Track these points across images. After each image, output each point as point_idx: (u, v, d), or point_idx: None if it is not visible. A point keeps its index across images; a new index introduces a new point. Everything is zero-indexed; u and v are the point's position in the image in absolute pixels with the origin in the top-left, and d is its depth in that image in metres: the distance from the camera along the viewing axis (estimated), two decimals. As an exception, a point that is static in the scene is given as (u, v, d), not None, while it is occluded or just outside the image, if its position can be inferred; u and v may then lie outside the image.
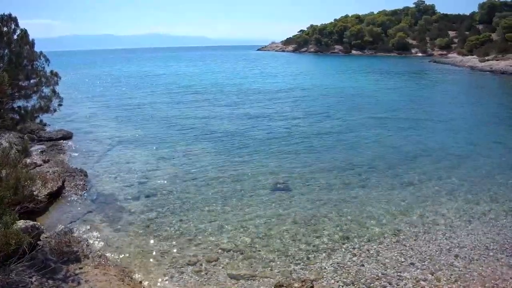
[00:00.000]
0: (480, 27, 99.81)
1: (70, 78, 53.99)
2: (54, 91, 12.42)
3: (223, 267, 8.93)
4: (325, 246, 9.83)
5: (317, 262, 9.09)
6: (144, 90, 42.56)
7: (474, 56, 70.50)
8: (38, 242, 8.31)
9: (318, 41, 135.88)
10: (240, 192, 13.31)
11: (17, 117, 11.96)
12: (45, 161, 15.34)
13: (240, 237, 10.29)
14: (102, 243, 9.95)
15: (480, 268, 8.79)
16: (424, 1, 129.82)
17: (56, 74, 12.46)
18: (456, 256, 9.31)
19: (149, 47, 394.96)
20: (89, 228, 10.77)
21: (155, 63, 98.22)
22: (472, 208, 11.95)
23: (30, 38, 11.74)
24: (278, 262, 9.12)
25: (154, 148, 19.02)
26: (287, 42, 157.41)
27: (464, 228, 10.72)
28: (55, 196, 12.35)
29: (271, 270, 8.82)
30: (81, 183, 13.84)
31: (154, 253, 9.53)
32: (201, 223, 11.11)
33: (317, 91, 40.19)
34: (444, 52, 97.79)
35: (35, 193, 8.77)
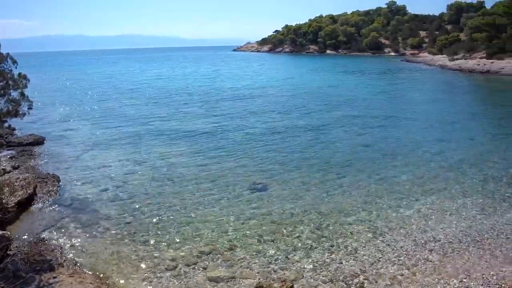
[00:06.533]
0: (449, 27, 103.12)
1: (40, 81, 52.40)
2: (22, 94, 11.97)
3: (202, 270, 8.86)
4: (304, 245, 9.90)
5: (296, 262, 9.14)
6: (117, 92, 41.79)
7: (444, 55, 72.67)
8: (9, 253, 8.01)
9: (293, 41, 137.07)
10: (218, 194, 13.24)
11: (-17, 122, 11.47)
12: (14, 167, 14.83)
13: (219, 239, 10.22)
14: (77, 250, 9.68)
15: (454, 261, 9.06)
16: (395, 2, 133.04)
17: (24, 77, 12.00)
18: (431, 250, 9.56)
19: (122, 48, 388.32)
20: (63, 235, 10.46)
21: (127, 65, 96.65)
22: (445, 202, 12.30)
23: (-4, 39, 11.28)
24: (257, 263, 9.11)
25: (130, 151, 18.67)
26: (263, 42, 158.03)
27: (438, 222, 11.02)
28: (26, 203, 11.94)
29: (250, 271, 8.81)
30: (54, 189, 13.45)
31: (131, 258, 9.34)
32: (179, 226, 10.98)
33: (292, 91, 40.47)
34: (416, 52, 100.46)
35: (3, 201, 8.45)
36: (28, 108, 12.44)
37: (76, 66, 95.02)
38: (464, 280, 8.29)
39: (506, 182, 13.85)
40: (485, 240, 9.97)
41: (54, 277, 7.82)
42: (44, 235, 10.27)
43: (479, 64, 56.88)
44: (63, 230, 10.74)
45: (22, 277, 7.23)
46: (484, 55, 59.95)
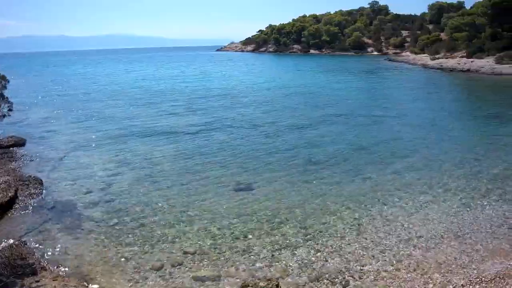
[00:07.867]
0: (430, 27, 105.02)
1: (20, 82, 51.30)
2: (2, 95, 11.76)
3: (188, 270, 8.83)
4: (289, 243, 9.95)
5: (282, 260, 9.18)
6: (100, 93, 41.23)
7: (426, 55, 73.97)
8: (-11, 257, 7.84)
9: (277, 40, 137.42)
10: (203, 194, 13.19)
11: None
12: (-6, 170, 14.47)
13: (204, 239, 10.20)
14: (61, 253, 9.53)
15: (437, 256, 9.24)
16: (378, 2, 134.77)
17: (3, 78, 11.80)
18: (415, 246, 9.73)
19: (106, 49, 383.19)
20: (46, 238, 10.28)
21: (111, 65, 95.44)
22: (428, 199, 12.53)
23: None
24: (243, 262, 9.13)
25: (113, 152, 18.44)
26: (246, 42, 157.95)
27: (421, 218, 11.21)
28: (7, 206, 11.68)
29: (236, 270, 8.82)
30: (36, 191, 13.18)
31: (116, 260, 9.25)
32: (164, 227, 10.91)
33: (277, 91, 40.58)
34: (398, 51, 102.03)
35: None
36: (8, 110, 12.22)
37: (58, 67, 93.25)
38: (446, 274, 8.47)
39: (487, 178, 14.17)
40: (467, 235, 10.20)
41: (37, 281, 7.68)
42: (26, 238, 10.08)
43: (459, 63, 58.12)
44: (46, 233, 10.55)
45: (2, 281, 7.08)
46: (464, 54, 61.32)
